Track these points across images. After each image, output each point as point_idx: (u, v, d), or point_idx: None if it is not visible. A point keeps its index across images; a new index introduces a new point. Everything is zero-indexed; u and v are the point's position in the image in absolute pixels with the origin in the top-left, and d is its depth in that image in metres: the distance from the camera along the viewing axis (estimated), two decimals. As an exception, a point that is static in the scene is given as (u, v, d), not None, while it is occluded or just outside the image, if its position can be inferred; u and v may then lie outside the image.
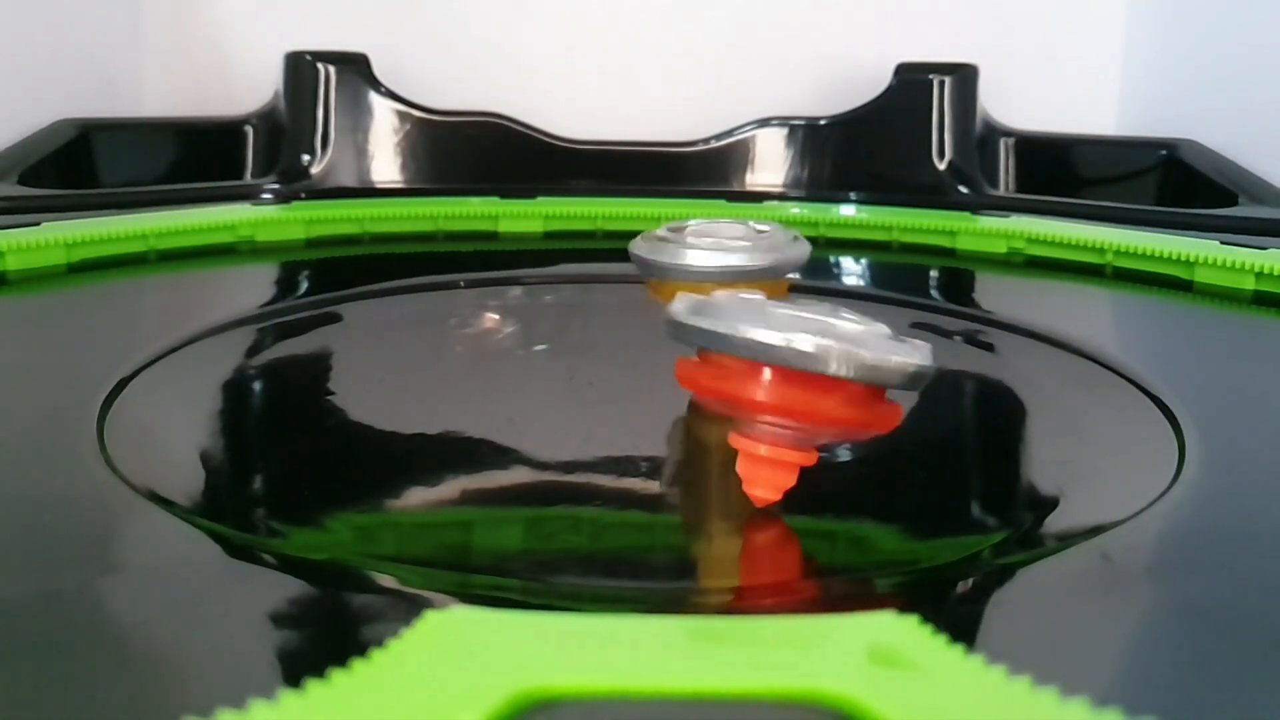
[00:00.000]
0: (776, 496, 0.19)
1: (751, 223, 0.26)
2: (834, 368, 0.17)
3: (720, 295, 0.19)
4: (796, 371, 0.17)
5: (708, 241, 0.25)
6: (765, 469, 0.19)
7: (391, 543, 0.19)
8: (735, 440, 0.19)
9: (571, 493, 0.21)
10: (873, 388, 0.18)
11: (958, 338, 0.32)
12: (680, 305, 0.19)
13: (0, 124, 0.46)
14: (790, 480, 0.19)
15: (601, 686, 0.10)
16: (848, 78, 0.55)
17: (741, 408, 0.18)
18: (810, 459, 0.19)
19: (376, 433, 0.24)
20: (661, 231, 0.26)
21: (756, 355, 0.18)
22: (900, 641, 0.11)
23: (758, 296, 0.19)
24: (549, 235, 0.46)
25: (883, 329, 0.18)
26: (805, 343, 0.17)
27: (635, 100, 0.57)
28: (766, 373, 0.18)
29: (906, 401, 0.25)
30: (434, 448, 0.23)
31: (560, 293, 0.38)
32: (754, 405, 0.18)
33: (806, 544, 0.19)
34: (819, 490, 0.20)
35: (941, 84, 0.51)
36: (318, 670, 0.10)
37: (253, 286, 0.38)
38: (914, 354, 0.18)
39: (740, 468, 0.19)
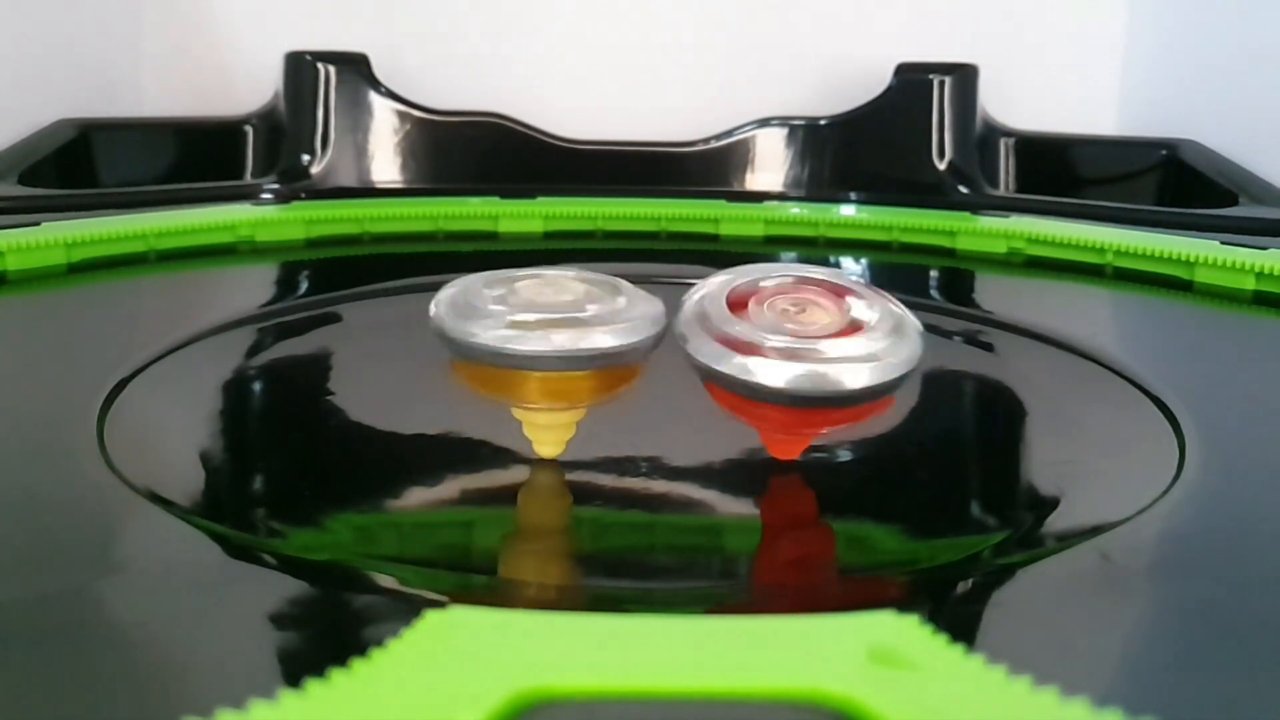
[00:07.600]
0: (796, 454, 0.20)
1: (586, 277, 0.19)
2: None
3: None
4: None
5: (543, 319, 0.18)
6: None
7: (391, 543, 0.19)
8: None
9: (572, 493, 0.21)
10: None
11: (958, 338, 0.32)
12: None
13: (0, 124, 0.46)
14: (808, 439, 0.20)
15: (601, 686, 0.10)
16: (848, 78, 0.55)
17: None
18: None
19: (376, 433, 0.24)
20: (476, 285, 0.19)
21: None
22: (900, 641, 0.11)
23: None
24: (549, 235, 0.46)
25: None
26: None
27: (635, 100, 0.57)
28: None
29: (907, 403, 0.25)
30: (434, 448, 0.23)
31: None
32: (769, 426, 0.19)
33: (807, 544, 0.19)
34: (820, 490, 0.20)
35: (941, 84, 0.51)
36: (318, 670, 0.10)
37: (253, 286, 0.38)
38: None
39: (762, 436, 0.20)
